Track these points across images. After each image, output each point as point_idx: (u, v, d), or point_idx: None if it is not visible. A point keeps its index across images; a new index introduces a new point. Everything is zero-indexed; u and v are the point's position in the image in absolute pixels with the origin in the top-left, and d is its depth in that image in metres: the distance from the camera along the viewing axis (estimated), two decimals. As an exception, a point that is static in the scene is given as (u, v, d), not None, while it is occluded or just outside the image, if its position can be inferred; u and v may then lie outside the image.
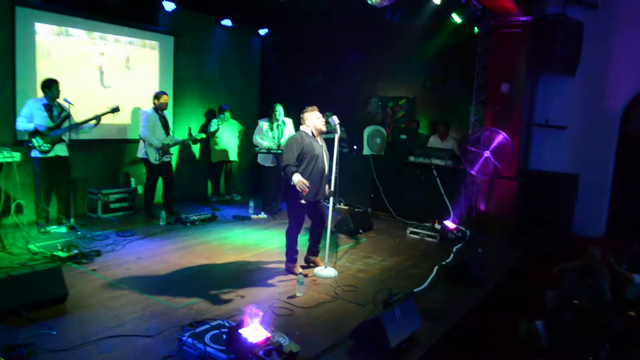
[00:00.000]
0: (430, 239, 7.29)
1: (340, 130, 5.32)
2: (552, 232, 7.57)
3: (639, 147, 7.60)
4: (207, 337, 3.60)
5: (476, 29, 7.96)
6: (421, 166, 8.28)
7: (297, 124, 5.73)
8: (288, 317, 4.35)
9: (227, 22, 9.37)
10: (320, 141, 5.42)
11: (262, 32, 10.29)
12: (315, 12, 8.55)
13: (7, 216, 6.31)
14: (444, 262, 6.14)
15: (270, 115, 8.19)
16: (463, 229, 7.49)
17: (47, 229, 6.55)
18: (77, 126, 6.49)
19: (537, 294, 5.89)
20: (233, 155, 9.22)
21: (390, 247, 6.81)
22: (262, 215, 8.07)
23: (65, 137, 6.51)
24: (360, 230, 7.41)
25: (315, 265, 5.64)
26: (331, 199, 5.39)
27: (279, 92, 9.83)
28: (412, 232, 7.50)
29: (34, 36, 6.89)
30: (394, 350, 3.72)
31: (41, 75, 6.72)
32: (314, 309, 4.55)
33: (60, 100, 6.50)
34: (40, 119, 6.33)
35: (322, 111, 5.50)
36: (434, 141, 8.75)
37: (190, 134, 7.94)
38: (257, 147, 8.04)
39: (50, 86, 6.39)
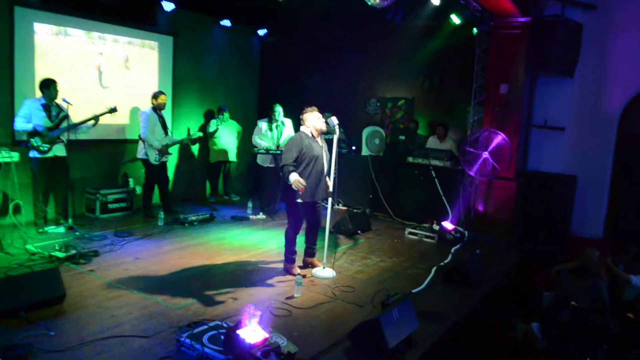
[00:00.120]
0: (429, 240, 7.29)
1: (339, 131, 5.33)
2: (550, 233, 7.57)
3: (637, 148, 7.60)
4: (205, 338, 3.60)
5: (475, 30, 7.97)
6: (420, 167, 8.28)
7: (296, 124, 5.74)
8: (286, 317, 4.35)
9: (226, 23, 9.36)
10: (320, 142, 5.42)
11: (261, 32, 10.29)
12: (314, 12, 8.56)
13: (5, 216, 6.33)
14: (442, 263, 6.15)
15: (269, 116, 8.19)
16: (461, 229, 7.50)
17: (45, 229, 6.53)
18: (76, 126, 6.48)
19: (534, 295, 5.91)
20: (232, 156, 9.22)
21: (389, 248, 6.81)
22: (261, 215, 8.07)
23: (64, 137, 6.50)
24: (359, 231, 7.41)
25: (314, 266, 5.64)
26: (329, 199, 5.39)
27: (278, 93, 9.81)
28: (410, 233, 7.51)
29: (32, 36, 6.88)
30: (392, 351, 3.72)
31: (40, 75, 6.71)
32: (312, 310, 4.55)
33: (58, 101, 6.49)
34: (39, 119, 6.32)
35: (321, 112, 5.50)
36: (432, 142, 8.76)
37: (188, 134, 7.94)
38: (256, 147, 8.04)
39: (49, 86, 6.38)
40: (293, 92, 9.83)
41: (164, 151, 7.57)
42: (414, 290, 5.17)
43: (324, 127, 5.37)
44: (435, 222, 7.58)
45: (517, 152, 7.65)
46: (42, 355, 3.46)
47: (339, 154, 5.42)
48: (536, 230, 7.63)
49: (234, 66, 10.08)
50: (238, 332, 3.38)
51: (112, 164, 8.14)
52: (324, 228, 5.52)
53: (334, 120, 5.26)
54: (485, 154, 7.41)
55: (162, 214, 7.33)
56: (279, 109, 8.11)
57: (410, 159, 8.44)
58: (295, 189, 5.10)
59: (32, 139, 6.28)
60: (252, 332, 3.45)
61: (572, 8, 7.59)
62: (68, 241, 6.01)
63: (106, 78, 7.87)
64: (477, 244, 6.75)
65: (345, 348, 3.86)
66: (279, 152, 7.74)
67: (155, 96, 7.59)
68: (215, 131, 8.92)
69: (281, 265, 5.61)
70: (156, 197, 8.00)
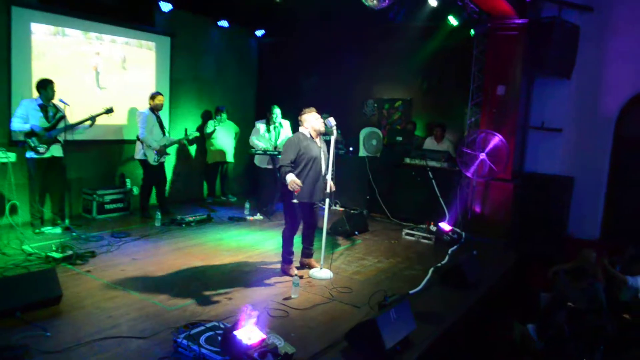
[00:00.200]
0: (426, 241, 7.29)
1: (337, 132, 5.33)
2: (547, 234, 7.59)
3: (634, 150, 7.62)
4: (202, 339, 3.59)
5: (472, 32, 7.98)
6: (417, 168, 8.29)
7: (294, 125, 5.74)
8: (283, 318, 4.35)
9: (223, 23, 9.36)
10: (319, 143, 5.42)
11: (259, 33, 10.28)
12: (311, 13, 8.55)
13: (2, 217, 6.30)
14: (439, 264, 6.15)
15: (267, 118, 8.19)
16: (458, 230, 7.51)
17: (42, 229, 6.52)
18: (72, 127, 6.48)
19: (532, 296, 5.92)
20: (229, 157, 9.21)
21: (386, 249, 6.81)
22: (258, 216, 8.06)
23: (60, 138, 6.49)
24: (356, 232, 7.41)
25: (311, 266, 5.64)
26: (327, 200, 5.39)
27: (276, 93, 9.81)
28: (407, 234, 7.51)
29: (29, 36, 6.87)
30: (389, 352, 3.72)
31: (37, 76, 6.70)
32: (309, 311, 4.55)
33: (55, 101, 6.47)
34: (36, 120, 6.30)
35: (319, 113, 5.49)
36: (429, 143, 8.76)
37: (186, 134, 7.94)
38: (253, 148, 8.04)
39: (46, 86, 6.36)
40: (290, 92, 9.82)
41: (162, 152, 7.57)
42: (411, 291, 5.17)
43: (322, 128, 5.36)
44: (432, 223, 7.59)
45: (514, 154, 7.66)
46: (38, 356, 3.45)
47: (336, 155, 5.42)
48: (533, 231, 7.64)
49: (231, 67, 10.08)
50: (235, 333, 3.38)
51: (109, 165, 8.12)
52: (321, 229, 5.52)
53: (332, 121, 5.26)
54: (483, 155, 7.42)
55: (159, 215, 7.32)
56: (277, 111, 8.11)
57: (408, 160, 8.45)
58: (291, 189, 5.11)
59: (29, 140, 6.26)
60: (249, 333, 3.45)
61: (569, 10, 7.61)
62: (65, 242, 6.00)
63: (103, 78, 7.85)
64: (474, 245, 6.75)
65: (342, 349, 3.86)
66: (276, 153, 7.74)
67: (152, 97, 7.59)
68: (213, 132, 8.91)
69: (278, 266, 5.61)
70: (153, 198, 7.98)
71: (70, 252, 5.48)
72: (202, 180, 9.56)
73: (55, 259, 5.36)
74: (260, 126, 8.17)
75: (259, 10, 9.05)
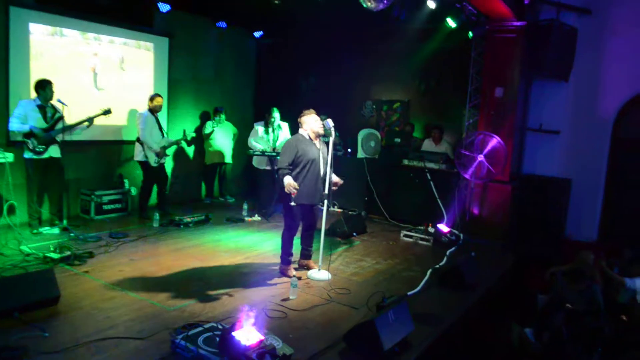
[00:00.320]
0: (424, 243, 7.30)
1: (335, 135, 5.34)
2: (545, 236, 7.60)
3: (632, 151, 7.64)
4: (200, 340, 3.59)
5: (471, 34, 8.00)
6: (415, 169, 8.30)
7: (293, 126, 5.74)
8: (281, 319, 4.35)
9: (222, 24, 9.36)
10: (318, 145, 5.41)
11: (257, 34, 10.28)
12: (310, 14, 8.55)
13: (0, 217, 6.28)
14: (437, 266, 6.16)
15: (266, 119, 8.19)
16: (456, 232, 7.52)
17: (40, 230, 6.51)
18: (70, 128, 6.47)
19: (530, 297, 5.92)
20: (227, 158, 9.21)
21: (384, 250, 6.82)
22: (256, 217, 8.06)
23: (58, 138, 6.48)
24: (354, 233, 7.42)
25: (309, 268, 5.64)
26: (325, 201, 5.39)
27: (274, 95, 9.83)
28: (405, 236, 7.51)
29: (28, 36, 6.86)
30: (387, 354, 3.72)
31: (35, 76, 6.68)
32: (307, 312, 4.55)
33: (53, 102, 6.46)
34: (34, 120, 6.29)
35: (317, 114, 5.50)
36: (428, 145, 8.77)
37: (184, 135, 7.94)
38: (252, 149, 8.04)
39: (44, 87, 6.35)
40: (289, 94, 9.84)
41: (162, 153, 7.57)
42: (409, 293, 5.17)
43: (321, 130, 5.36)
44: (430, 224, 7.60)
45: (512, 155, 7.68)
46: (36, 356, 3.45)
47: (334, 156, 5.43)
48: (531, 233, 7.66)
49: (230, 68, 10.08)
50: (233, 334, 3.38)
51: (107, 165, 8.11)
52: (320, 230, 5.52)
53: (330, 122, 5.26)
54: (481, 157, 7.43)
55: (157, 216, 7.31)
56: (276, 115, 8.12)
57: (406, 162, 8.46)
58: (288, 192, 5.12)
59: (27, 140, 6.25)
60: (247, 334, 3.45)
61: (567, 12, 7.63)
62: (63, 242, 6.00)
63: (101, 79, 7.84)
64: (472, 247, 6.77)
65: (340, 350, 3.86)
66: (274, 154, 7.74)
67: (152, 98, 7.59)
68: (211, 133, 8.91)
69: (276, 267, 5.61)
70: (152, 199, 7.98)
71: (68, 253, 5.47)
72: (200, 181, 9.55)
73: (53, 259, 5.34)
74: (259, 128, 8.18)
75: (258, 11, 9.04)
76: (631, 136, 7.67)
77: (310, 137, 5.37)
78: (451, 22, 8.00)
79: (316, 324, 4.31)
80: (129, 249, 6.13)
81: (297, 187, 5.12)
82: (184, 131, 8.07)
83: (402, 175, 8.43)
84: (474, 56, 7.95)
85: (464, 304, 5.13)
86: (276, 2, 7.90)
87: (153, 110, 7.58)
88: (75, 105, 6.56)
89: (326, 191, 5.31)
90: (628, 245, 6.19)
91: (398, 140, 8.98)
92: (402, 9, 7.13)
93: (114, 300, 4.53)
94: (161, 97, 7.71)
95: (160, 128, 7.68)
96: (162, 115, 7.93)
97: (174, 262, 5.72)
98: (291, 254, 5.54)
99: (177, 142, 8.03)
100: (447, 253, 6.78)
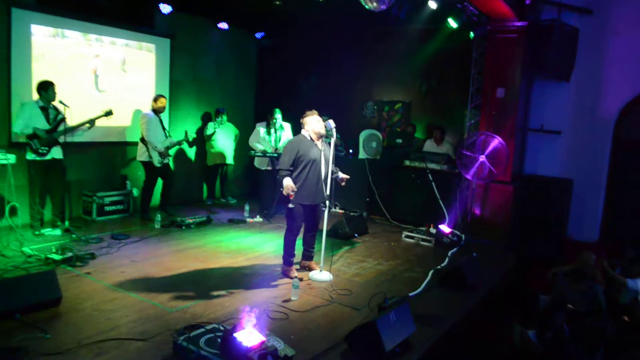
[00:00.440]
0: (426, 243, 7.29)
1: (336, 136, 5.34)
2: (547, 236, 7.59)
3: (633, 152, 7.64)
4: (201, 341, 3.59)
5: (472, 34, 7.99)
6: (417, 170, 8.29)
7: (295, 127, 5.74)
8: (283, 321, 4.35)
9: (223, 25, 9.36)
10: (320, 145, 5.40)
11: (259, 35, 10.29)
12: (311, 15, 8.57)
13: (2, 218, 6.30)
14: (439, 267, 6.15)
15: (267, 120, 8.19)
16: (458, 233, 7.51)
17: (42, 231, 6.52)
18: (73, 129, 6.48)
19: (532, 298, 5.92)
20: (229, 159, 9.21)
21: (386, 251, 6.81)
22: (258, 218, 8.06)
23: (60, 140, 6.49)
24: (356, 234, 7.41)
25: (311, 269, 5.64)
26: (327, 202, 5.39)
27: (275, 96, 9.84)
28: (407, 236, 7.51)
29: (29, 37, 6.87)
30: (389, 355, 3.72)
31: (36, 77, 6.70)
32: (309, 313, 4.55)
33: (56, 103, 6.47)
34: (37, 122, 6.30)
35: (319, 115, 5.50)
36: (429, 145, 8.77)
37: (186, 136, 7.95)
38: (253, 150, 8.04)
39: (47, 88, 6.36)
40: (290, 94, 9.84)
41: (165, 153, 7.59)
42: (410, 294, 5.16)
43: (322, 131, 5.37)
44: (432, 225, 7.58)
45: (513, 156, 7.67)
46: (38, 357, 3.45)
47: (335, 157, 5.43)
48: (533, 233, 7.65)
49: (231, 69, 10.09)
50: (235, 335, 3.38)
51: (109, 167, 8.11)
52: (321, 231, 5.52)
53: (331, 123, 5.27)
54: (482, 158, 7.43)
55: (159, 217, 7.31)
56: (278, 116, 8.12)
57: (407, 163, 8.45)
58: (285, 194, 5.12)
59: (31, 142, 6.26)
60: (249, 336, 3.45)
61: (569, 13, 7.63)
62: (64, 244, 6.00)
63: (103, 81, 7.84)
64: (474, 248, 6.76)
65: (342, 351, 3.86)
66: (276, 155, 7.74)
67: (155, 99, 7.62)
68: (213, 134, 8.91)
69: (278, 269, 5.61)
70: (153, 200, 7.98)
71: (70, 254, 5.48)
72: (202, 182, 9.56)
73: (55, 260, 5.35)
74: (261, 129, 8.18)
75: (259, 12, 9.05)
76: (632, 136, 7.66)
77: (311, 138, 5.37)
78: (452, 23, 8.01)
79: (318, 325, 4.31)
80: (131, 250, 6.13)
81: (295, 189, 5.13)
82: (186, 132, 8.09)
83: (403, 176, 8.43)
84: (475, 56, 7.94)
85: (465, 304, 5.13)
86: (277, 3, 7.91)
87: (157, 111, 7.61)
88: (76, 107, 6.56)
89: (327, 192, 5.32)
90: (630, 246, 6.18)
91: (399, 141, 8.97)
92: (402, 8, 7.12)
93: (116, 301, 4.54)
94: (165, 98, 7.74)
95: (164, 128, 7.71)
96: (164, 117, 7.95)
97: (175, 263, 5.73)
98: (293, 255, 5.54)
99: (179, 143, 8.05)
100: (449, 254, 6.77)
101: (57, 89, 6.45)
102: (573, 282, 5.31)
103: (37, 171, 6.43)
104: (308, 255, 5.73)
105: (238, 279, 5.37)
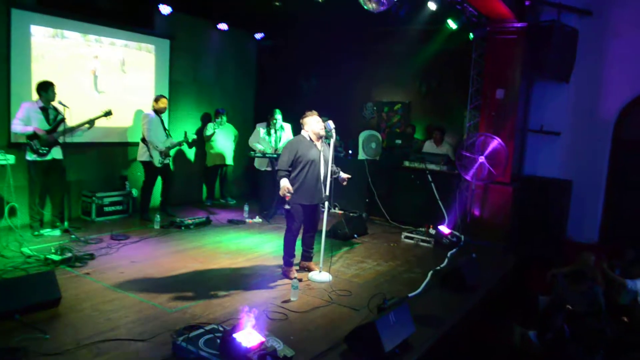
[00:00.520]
0: (425, 244, 7.29)
1: (335, 137, 5.34)
2: (546, 237, 7.59)
3: (633, 153, 7.64)
4: (201, 342, 3.58)
5: (471, 35, 8.00)
6: (416, 171, 8.30)
7: (295, 128, 5.74)
8: (282, 321, 4.35)
9: (223, 26, 9.35)
10: (319, 146, 5.41)
11: (258, 36, 10.29)
12: (311, 16, 8.57)
13: (1, 219, 6.29)
14: (438, 267, 6.15)
15: (268, 121, 8.19)
16: (457, 234, 7.51)
17: (41, 232, 6.51)
18: (72, 130, 6.48)
19: (531, 299, 5.92)
20: (229, 160, 9.21)
21: (385, 252, 6.81)
22: (257, 219, 8.05)
23: (60, 140, 6.49)
24: (355, 235, 7.41)
25: (310, 269, 5.64)
26: (326, 203, 5.39)
27: (275, 96, 9.84)
28: (406, 237, 7.51)
29: (29, 38, 6.87)
30: (388, 355, 3.72)
31: (36, 78, 6.69)
32: (308, 314, 4.55)
33: (55, 103, 6.47)
34: (37, 122, 6.29)
35: (318, 116, 5.50)
36: (429, 146, 8.78)
37: (185, 136, 7.95)
38: (253, 150, 8.04)
39: (47, 89, 6.36)
40: (290, 95, 9.85)
41: (165, 154, 7.59)
42: (410, 295, 5.16)
43: (322, 132, 5.37)
44: (431, 226, 7.59)
45: (513, 157, 7.67)
46: (37, 358, 3.45)
47: (335, 158, 5.44)
48: (532, 234, 7.65)
49: (231, 70, 10.09)
50: (234, 335, 3.38)
51: (108, 167, 8.11)
52: (321, 232, 5.52)
53: (331, 124, 5.27)
54: (482, 159, 7.43)
55: (158, 218, 7.31)
56: (278, 116, 8.12)
57: (407, 163, 8.46)
58: (282, 195, 5.13)
59: (31, 142, 6.26)
60: (248, 336, 3.45)
61: (568, 14, 7.64)
62: (64, 244, 5.98)
63: (101, 82, 7.83)
64: (473, 248, 6.75)
65: (341, 352, 3.86)
66: (275, 155, 7.74)
67: (156, 99, 7.64)
68: (212, 134, 8.91)
69: (278, 269, 5.61)
70: (153, 201, 7.98)
71: (69, 255, 5.47)
72: (202, 183, 9.55)
73: (54, 261, 5.34)
74: (261, 129, 8.18)
75: (259, 13, 9.06)
76: (632, 137, 7.67)
77: (311, 139, 5.38)
78: (452, 24, 8.01)
79: (317, 326, 4.31)
80: (130, 250, 6.13)
81: (292, 190, 5.14)
82: (185, 133, 8.09)
83: (403, 177, 8.43)
84: (474, 57, 7.95)
85: (465, 305, 5.13)
86: (277, 3, 7.91)
87: (158, 111, 7.62)
88: (75, 107, 6.56)
89: (327, 192, 5.32)
90: (629, 247, 6.19)
91: (399, 141, 8.97)
92: (402, 8, 7.12)
93: (115, 302, 4.53)
94: (166, 98, 7.75)
95: (165, 129, 7.72)
96: (164, 117, 7.94)
97: (175, 263, 5.73)
98: (293, 256, 5.53)
99: (179, 144, 8.05)
100: (448, 255, 6.77)
101: (56, 90, 6.44)
102: (573, 283, 5.31)
103: (37, 171, 6.43)
104: (307, 256, 5.73)
105: (237, 279, 5.37)
